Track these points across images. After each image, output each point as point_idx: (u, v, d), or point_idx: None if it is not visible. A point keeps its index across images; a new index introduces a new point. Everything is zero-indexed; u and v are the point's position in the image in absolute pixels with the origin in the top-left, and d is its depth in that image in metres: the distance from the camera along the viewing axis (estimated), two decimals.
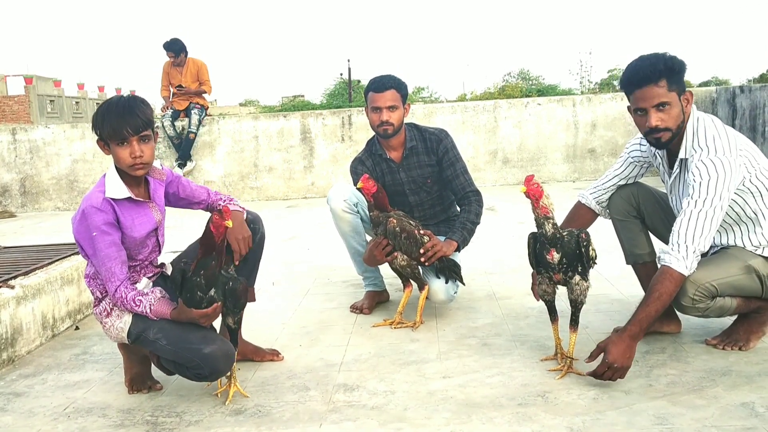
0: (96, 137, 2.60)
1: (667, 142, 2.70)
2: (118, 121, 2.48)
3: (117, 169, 2.58)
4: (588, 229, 2.97)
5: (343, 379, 2.73)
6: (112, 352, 3.15)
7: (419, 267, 3.31)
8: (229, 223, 2.41)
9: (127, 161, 2.51)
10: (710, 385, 2.48)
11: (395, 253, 3.25)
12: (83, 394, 2.75)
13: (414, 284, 3.38)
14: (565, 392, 2.49)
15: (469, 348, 3.00)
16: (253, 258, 2.90)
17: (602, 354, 2.51)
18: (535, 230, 2.66)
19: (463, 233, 3.42)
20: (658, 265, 2.60)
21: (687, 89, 2.68)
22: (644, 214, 2.98)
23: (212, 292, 2.46)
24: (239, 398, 2.59)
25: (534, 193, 2.58)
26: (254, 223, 2.88)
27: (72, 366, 3.07)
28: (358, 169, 3.63)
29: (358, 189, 3.26)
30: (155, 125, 2.62)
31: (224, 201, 2.86)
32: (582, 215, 3.09)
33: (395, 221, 3.21)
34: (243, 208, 2.86)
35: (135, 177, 2.59)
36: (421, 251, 3.21)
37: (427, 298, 3.38)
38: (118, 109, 2.50)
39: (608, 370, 2.48)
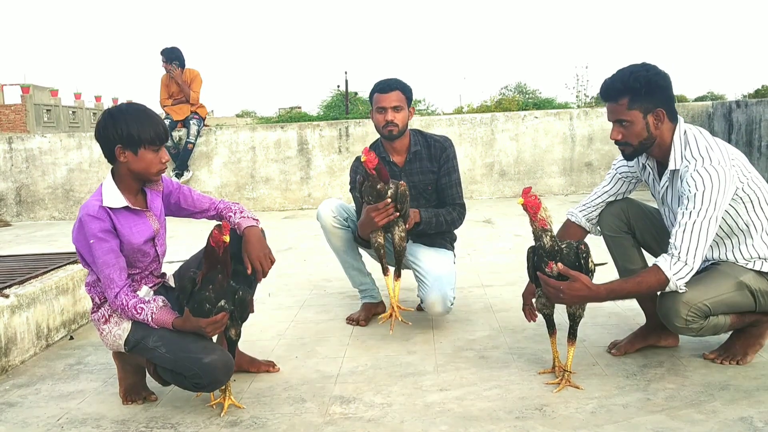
0: (116, 144, 2.53)
1: (630, 155, 2.79)
2: (157, 127, 2.54)
3: (114, 178, 2.59)
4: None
5: (340, 391, 2.72)
6: (107, 362, 3.13)
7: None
8: (227, 239, 2.39)
9: (158, 167, 2.58)
10: (708, 400, 2.47)
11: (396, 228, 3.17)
12: (77, 404, 2.73)
13: (391, 270, 3.25)
14: (563, 406, 2.48)
15: (466, 360, 2.99)
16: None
17: (570, 277, 2.55)
18: (534, 243, 2.65)
19: (431, 218, 3.41)
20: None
21: (659, 108, 2.66)
22: (635, 229, 2.97)
23: (222, 302, 2.46)
24: (235, 409, 2.57)
25: (531, 205, 2.57)
26: None
27: (66, 376, 3.05)
28: (359, 169, 3.60)
29: (362, 162, 3.08)
30: None
31: (234, 212, 2.79)
32: (572, 233, 3.07)
33: (405, 184, 3.16)
34: (255, 219, 2.80)
35: (133, 186, 2.61)
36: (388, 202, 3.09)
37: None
38: (147, 116, 2.55)
39: (554, 289, 2.56)
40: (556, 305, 2.72)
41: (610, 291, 2.60)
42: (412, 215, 3.29)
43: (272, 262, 2.69)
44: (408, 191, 3.17)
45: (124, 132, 2.51)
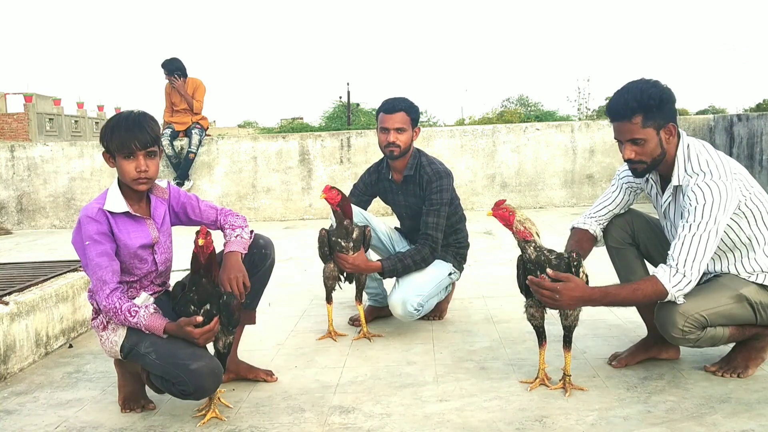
0: (102, 150, 2.62)
1: (643, 172, 2.75)
2: (127, 134, 2.52)
3: (119, 184, 2.61)
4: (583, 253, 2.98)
5: (339, 401, 2.71)
6: (105, 370, 3.12)
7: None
8: (201, 242, 2.43)
9: (132, 175, 2.54)
10: (709, 413, 2.46)
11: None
12: (75, 412, 2.72)
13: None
14: (563, 417, 2.47)
15: (466, 371, 2.98)
16: (259, 283, 2.88)
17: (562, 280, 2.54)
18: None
19: (395, 265, 3.47)
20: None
21: (670, 123, 2.66)
22: (639, 242, 2.97)
23: (207, 306, 2.47)
24: (234, 419, 2.56)
25: (502, 217, 2.58)
26: (266, 248, 2.87)
27: (65, 384, 3.04)
28: (364, 177, 3.81)
29: (323, 198, 3.31)
30: (161, 143, 2.65)
31: (230, 230, 2.76)
32: (582, 241, 3.01)
33: (370, 229, 3.48)
34: (250, 232, 2.79)
35: (137, 193, 2.62)
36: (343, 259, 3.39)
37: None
38: (127, 123, 2.55)
39: (550, 291, 2.52)
40: (546, 316, 2.74)
41: (605, 294, 2.59)
42: (365, 265, 3.44)
43: (246, 284, 2.63)
44: (371, 237, 3.51)
45: (104, 139, 2.58)
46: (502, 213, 2.59)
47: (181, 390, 2.46)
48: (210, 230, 2.83)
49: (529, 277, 2.61)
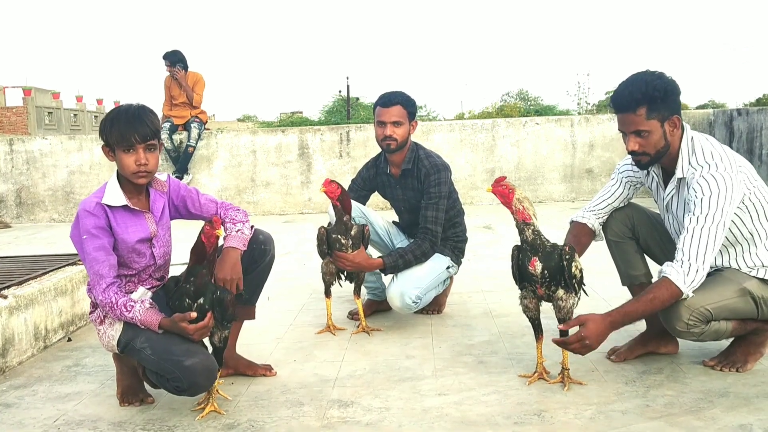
0: (102, 143, 2.61)
1: (646, 165, 2.75)
2: (127, 127, 2.51)
3: (118, 177, 2.60)
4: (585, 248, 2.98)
5: (338, 395, 2.71)
6: (104, 364, 3.12)
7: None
8: (220, 233, 2.43)
9: (132, 168, 2.53)
10: (708, 407, 2.46)
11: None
12: (74, 406, 2.72)
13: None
14: (561, 411, 2.47)
15: (465, 365, 2.98)
16: (258, 278, 2.88)
17: (578, 326, 2.53)
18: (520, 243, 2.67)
19: (397, 260, 3.47)
20: (658, 277, 2.60)
21: (674, 115, 2.65)
22: (639, 235, 2.96)
23: (201, 300, 2.46)
24: (233, 413, 2.56)
25: (501, 194, 2.59)
26: (265, 244, 2.86)
27: (63, 378, 3.04)
28: (362, 172, 3.80)
29: (323, 192, 3.29)
30: (161, 136, 2.63)
31: (231, 219, 2.71)
32: (580, 235, 3.01)
33: (369, 228, 3.47)
34: (251, 227, 2.76)
35: (136, 186, 2.61)
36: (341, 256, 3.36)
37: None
38: (127, 116, 2.53)
39: (578, 342, 2.50)
40: (542, 309, 2.76)
41: (624, 315, 2.55)
42: (366, 262, 3.42)
43: (240, 289, 2.61)
44: (370, 235, 3.50)
45: (104, 132, 2.57)
46: (502, 189, 2.59)
47: (175, 386, 2.45)
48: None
49: (552, 339, 2.59)
